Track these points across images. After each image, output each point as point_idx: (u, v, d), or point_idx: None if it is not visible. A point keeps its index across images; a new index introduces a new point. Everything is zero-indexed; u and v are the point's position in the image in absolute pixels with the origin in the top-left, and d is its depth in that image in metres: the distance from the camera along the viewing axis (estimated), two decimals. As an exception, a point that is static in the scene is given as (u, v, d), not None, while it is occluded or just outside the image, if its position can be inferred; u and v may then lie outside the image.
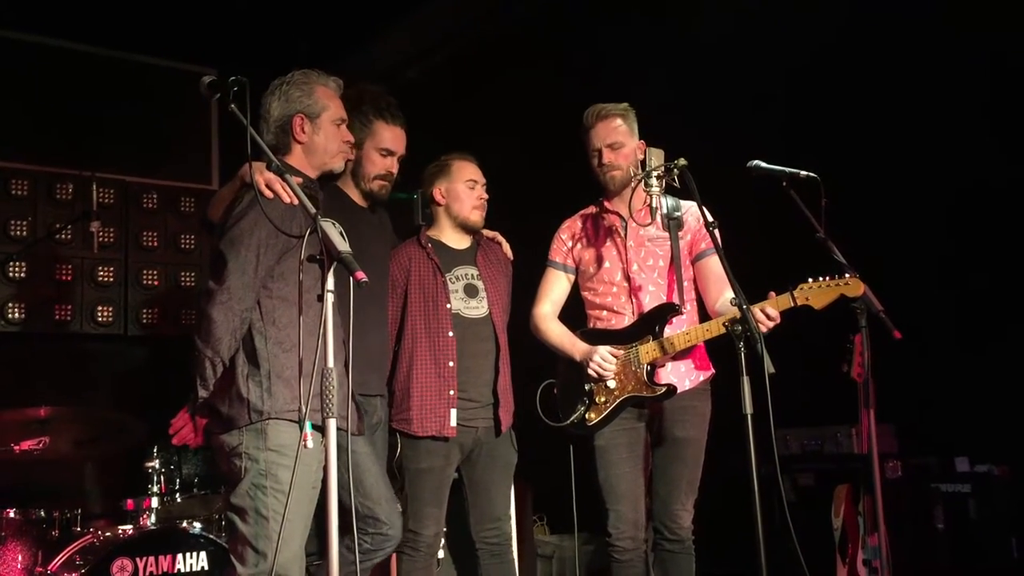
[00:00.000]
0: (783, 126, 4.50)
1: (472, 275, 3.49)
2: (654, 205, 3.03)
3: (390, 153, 3.33)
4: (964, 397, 4.36)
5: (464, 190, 3.50)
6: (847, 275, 3.03)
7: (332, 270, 2.04)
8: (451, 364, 3.35)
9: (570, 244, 3.43)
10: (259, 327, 2.51)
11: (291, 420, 2.44)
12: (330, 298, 2.02)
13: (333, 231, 2.03)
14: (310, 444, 2.22)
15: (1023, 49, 4.01)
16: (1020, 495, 4.26)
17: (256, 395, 2.47)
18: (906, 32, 4.27)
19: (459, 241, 3.55)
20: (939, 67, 4.29)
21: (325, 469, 2.15)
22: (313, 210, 2.09)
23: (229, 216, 2.53)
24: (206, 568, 3.44)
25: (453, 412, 3.33)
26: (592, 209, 3.44)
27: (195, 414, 2.64)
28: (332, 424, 2.05)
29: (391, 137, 3.32)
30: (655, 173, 3.01)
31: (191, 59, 5.19)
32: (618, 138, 3.26)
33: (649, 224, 3.27)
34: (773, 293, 3.03)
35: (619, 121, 3.29)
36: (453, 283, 3.46)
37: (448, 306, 3.40)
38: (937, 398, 4.41)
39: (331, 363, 2.04)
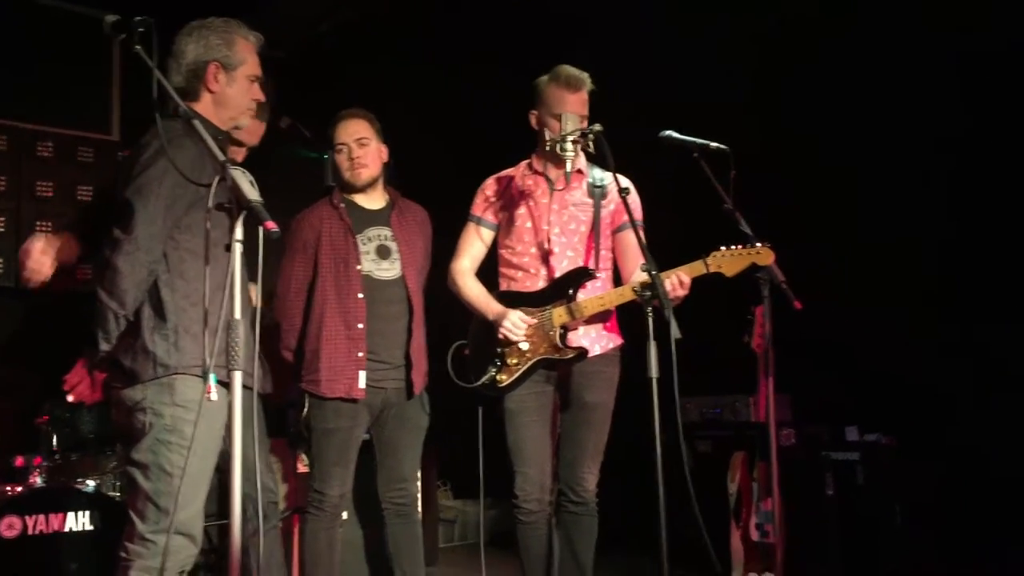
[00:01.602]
0: (700, 99, 4.57)
1: (385, 236, 3.46)
2: (570, 170, 3.05)
3: (239, 144, 3.27)
4: (856, 368, 4.54)
5: (337, 156, 3.47)
6: (759, 244, 3.11)
7: (241, 220, 1.98)
8: (360, 326, 3.33)
9: (493, 200, 3.40)
10: (166, 279, 2.43)
11: (199, 375, 2.38)
12: (238, 248, 1.97)
13: (243, 179, 1.97)
14: (214, 397, 2.17)
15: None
16: (905, 464, 4.47)
17: (163, 349, 2.40)
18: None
19: (373, 201, 3.51)
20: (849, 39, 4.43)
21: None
22: (222, 157, 2.02)
23: (136, 163, 2.43)
24: (98, 527, 3.34)
25: (362, 374, 3.32)
26: (520, 168, 3.41)
27: (94, 368, 2.55)
28: (237, 377, 2.00)
29: (249, 129, 3.16)
30: (570, 138, 3.02)
31: (90, 2, 4.96)
32: (586, 111, 3.20)
33: (576, 188, 3.28)
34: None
35: (587, 95, 3.23)
36: (364, 244, 3.42)
37: (358, 267, 3.37)
38: (830, 369, 4.58)
39: (238, 315, 1.99)
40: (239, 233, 1.97)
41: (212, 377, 2.16)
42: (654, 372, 2.73)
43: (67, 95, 5.02)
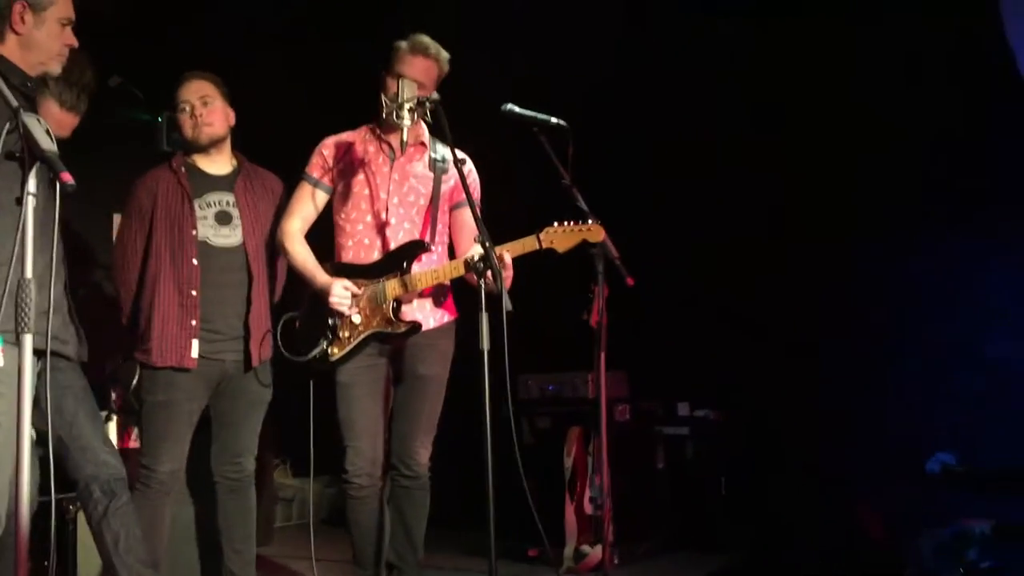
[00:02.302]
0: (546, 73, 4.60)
1: (227, 202, 3.34)
2: (404, 139, 3.00)
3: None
4: (689, 346, 4.69)
5: (179, 116, 3.34)
6: (590, 221, 3.15)
7: (35, 171, 1.82)
8: (194, 293, 3.21)
9: (331, 162, 3.27)
10: None
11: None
12: (31, 202, 1.82)
13: (38, 127, 1.81)
14: (0, 362, 2.00)
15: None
16: (731, 439, 4.66)
17: None
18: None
19: (216, 166, 3.37)
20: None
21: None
22: (15, 103, 1.86)
23: None
24: None
25: (195, 343, 3.20)
26: (362, 132, 3.30)
27: None
28: (28, 340, 1.85)
29: (59, 121, 2.97)
30: (407, 106, 2.96)
31: None
32: (427, 82, 3.12)
33: (417, 160, 3.22)
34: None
35: (439, 66, 3.17)
36: (202, 209, 3.29)
37: (194, 233, 3.24)
38: (665, 348, 4.73)
39: (28, 275, 1.83)
40: (32, 186, 1.82)
41: (-1, 339, 1.99)
42: (485, 345, 2.72)
43: None
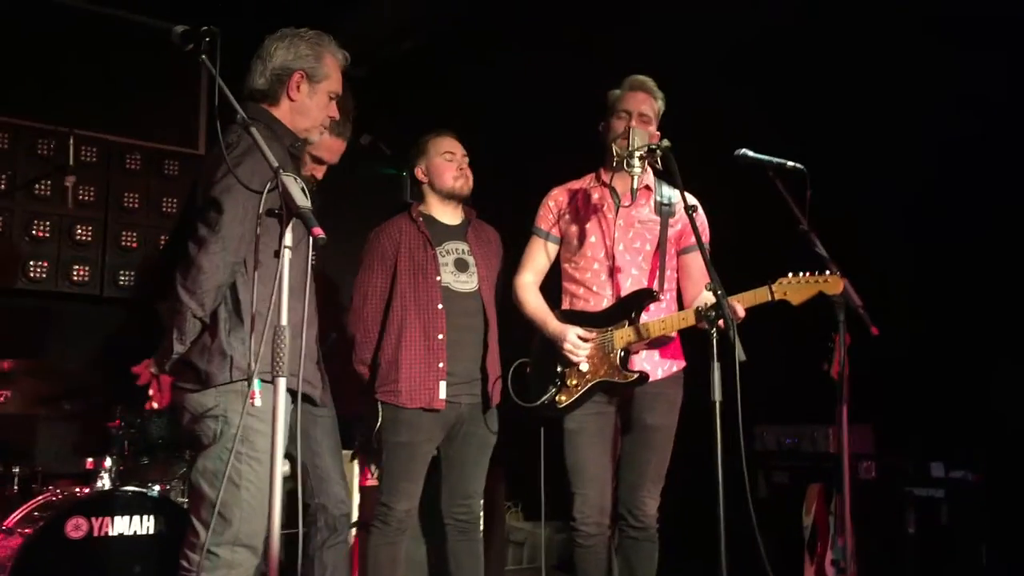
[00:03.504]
0: (763, 114, 4.46)
1: (463, 250, 3.49)
2: (636, 186, 2.99)
3: (319, 162, 3.32)
4: (944, 402, 4.32)
5: (442, 163, 3.50)
6: (827, 272, 2.99)
7: (291, 226, 1.97)
8: (440, 336, 3.35)
9: (557, 213, 3.34)
10: (244, 281, 2.39)
11: (270, 382, 2.23)
12: (287, 255, 1.97)
13: (294, 186, 1.96)
14: (258, 402, 2.15)
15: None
16: (993, 503, 4.22)
17: (240, 352, 2.36)
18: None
19: (450, 217, 3.55)
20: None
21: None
22: (275, 163, 2.02)
23: (223, 162, 2.37)
24: (163, 531, 3.39)
25: (443, 384, 3.32)
26: (586, 181, 3.35)
27: (162, 372, 2.52)
28: (282, 383, 1.99)
29: (329, 147, 3.28)
30: (638, 154, 2.96)
31: (182, 19, 5.09)
32: (650, 113, 3.20)
33: (643, 205, 3.21)
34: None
35: (657, 102, 3.23)
36: (443, 256, 3.45)
37: (438, 278, 3.39)
38: (917, 402, 4.38)
39: (283, 322, 1.98)
40: (288, 239, 1.97)
41: (257, 383, 2.15)
42: (717, 396, 2.63)
43: (156, 109, 5.16)
